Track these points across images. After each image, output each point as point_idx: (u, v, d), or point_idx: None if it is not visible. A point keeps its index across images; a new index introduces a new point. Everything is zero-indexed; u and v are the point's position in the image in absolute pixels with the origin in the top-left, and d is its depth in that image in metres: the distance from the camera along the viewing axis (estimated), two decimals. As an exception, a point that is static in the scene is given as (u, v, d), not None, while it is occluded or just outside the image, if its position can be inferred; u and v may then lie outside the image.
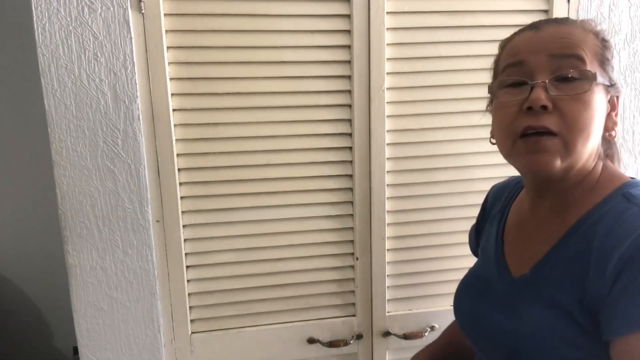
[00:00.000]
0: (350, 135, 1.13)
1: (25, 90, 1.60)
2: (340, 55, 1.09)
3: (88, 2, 0.97)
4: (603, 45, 0.72)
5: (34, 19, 0.96)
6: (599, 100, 0.69)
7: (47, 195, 1.63)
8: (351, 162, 1.14)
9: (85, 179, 1.04)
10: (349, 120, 1.12)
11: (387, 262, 1.19)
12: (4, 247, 1.72)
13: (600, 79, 0.69)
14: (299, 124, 1.11)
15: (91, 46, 0.99)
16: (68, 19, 0.97)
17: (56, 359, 1.82)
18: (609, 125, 0.73)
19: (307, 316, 1.20)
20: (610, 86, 0.71)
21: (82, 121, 1.01)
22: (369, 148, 1.13)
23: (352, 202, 1.16)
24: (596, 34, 0.72)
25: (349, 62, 1.10)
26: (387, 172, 1.15)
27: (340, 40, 1.09)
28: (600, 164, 0.73)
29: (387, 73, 1.11)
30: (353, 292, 1.21)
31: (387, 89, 1.11)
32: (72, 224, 1.05)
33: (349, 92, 1.11)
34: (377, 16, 1.08)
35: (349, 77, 1.10)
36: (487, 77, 1.18)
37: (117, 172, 1.04)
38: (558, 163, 0.68)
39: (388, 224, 1.17)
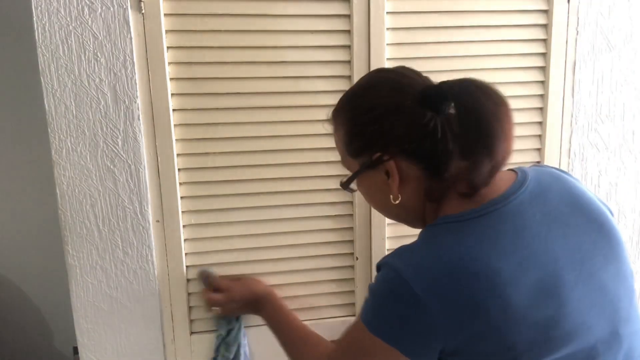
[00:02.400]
0: (350, 135, 1.13)
1: (25, 90, 1.60)
2: (340, 55, 1.09)
3: (88, 2, 0.97)
4: (349, 126, 0.81)
5: (34, 19, 0.96)
6: (366, 184, 0.83)
7: (47, 195, 1.63)
8: (351, 162, 1.14)
9: (85, 179, 1.04)
10: (349, 120, 1.12)
11: (387, 262, 1.19)
12: (4, 247, 1.72)
13: (351, 169, 0.83)
14: (299, 124, 1.11)
15: (91, 46, 0.99)
16: (68, 19, 0.97)
17: (56, 359, 1.81)
18: (390, 191, 0.79)
19: (307, 316, 1.20)
20: (374, 163, 0.78)
21: (82, 121, 1.01)
22: (369, 148, 1.13)
23: (352, 202, 1.16)
24: (345, 115, 0.82)
25: (349, 62, 1.10)
26: (387, 172, 1.15)
27: (340, 40, 1.09)
28: (430, 209, 0.81)
29: (387, 73, 1.11)
30: (353, 292, 1.21)
31: (387, 89, 1.11)
32: (72, 224, 1.05)
33: (349, 92, 1.11)
34: (377, 16, 1.08)
35: (349, 77, 1.10)
36: (488, 77, 1.18)
37: (117, 172, 1.04)
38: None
39: (388, 224, 1.17)
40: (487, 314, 0.68)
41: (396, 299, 0.72)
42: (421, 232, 0.80)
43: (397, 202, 0.78)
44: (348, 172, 0.85)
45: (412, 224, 0.86)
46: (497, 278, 0.68)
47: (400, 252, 0.77)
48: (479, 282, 0.68)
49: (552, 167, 0.87)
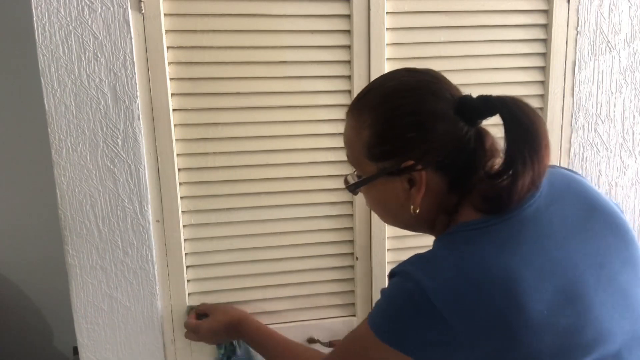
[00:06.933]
0: (350, 135, 1.13)
1: (25, 90, 1.60)
2: (340, 55, 1.09)
3: (88, 2, 0.97)
4: (380, 128, 0.73)
5: (34, 19, 0.96)
6: (379, 190, 0.77)
7: (47, 195, 1.63)
8: (351, 162, 1.14)
9: (85, 179, 1.04)
10: (349, 120, 1.12)
11: (387, 262, 1.19)
12: (4, 247, 1.72)
13: (363, 170, 0.76)
14: (299, 124, 1.11)
15: (91, 46, 0.99)
16: (68, 19, 0.97)
17: (56, 359, 1.81)
18: (412, 202, 0.74)
19: (307, 316, 1.20)
20: (401, 170, 0.72)
21: (82, 121, 1.01)
22: (369, 148, 1.13)
23: (351, 202, 1.16)
24: (376, 115, 0.73)
25: (348, 62, 1.10)
26: (387, 172, 1.15)
27: (340, 40, 1.09)
28: (442, 220, 0.78)
29: (387, 73, 1.11)
30: (353, 292, 1.21)
31: (387, 89, 1.11)
32: (72, 223, 1.05)
33: (349, 92, 1.11)
34: (377, 16, 1.08)
35: (349, 77, 1.10)
36: (488, 77, 1.18)
37: (117, 172, 1.04)
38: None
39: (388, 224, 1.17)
40: (509, 327, 0.66)
41: (414, 311, 0.68)
42: (437, 241, 0.77)
43: (414, 211, 0.75)
44: (357, 172, 0.80)
45: (418, 230, 0.82)
46: (518, 288, 0.66)
47: (418, 261, 0.73)
48: (501, 294, 0.66)
49: (563, 168, 0.84)
